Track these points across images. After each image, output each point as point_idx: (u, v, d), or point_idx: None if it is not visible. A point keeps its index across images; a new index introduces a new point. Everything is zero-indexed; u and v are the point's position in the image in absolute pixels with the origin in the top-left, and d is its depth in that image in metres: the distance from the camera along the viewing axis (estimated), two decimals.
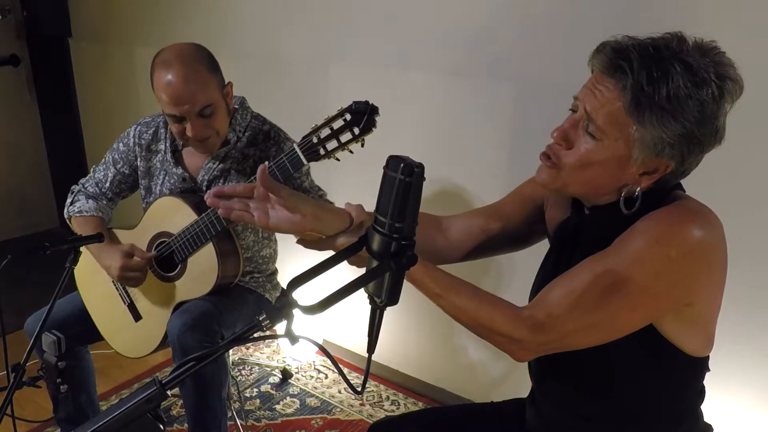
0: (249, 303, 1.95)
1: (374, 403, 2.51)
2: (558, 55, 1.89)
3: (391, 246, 0.82)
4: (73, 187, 2.02)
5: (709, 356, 1.15)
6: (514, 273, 2.21)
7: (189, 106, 1.68)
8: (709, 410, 1.23)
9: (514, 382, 2.34)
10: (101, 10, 3.37)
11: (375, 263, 0.85)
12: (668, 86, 0.94)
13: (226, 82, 1.80)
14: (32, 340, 1.57)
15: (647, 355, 1.09)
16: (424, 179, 0.81)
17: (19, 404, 2.31)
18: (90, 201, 1.96)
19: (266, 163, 1.07)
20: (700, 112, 0.95)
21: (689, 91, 0.94)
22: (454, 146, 2.25)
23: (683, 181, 1.09)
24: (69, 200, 1.99)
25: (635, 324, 1.03)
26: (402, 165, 0.79)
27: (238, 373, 2.68)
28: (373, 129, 1.40)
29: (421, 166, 0.80)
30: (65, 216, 1.99)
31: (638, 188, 1.03)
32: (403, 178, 0.79)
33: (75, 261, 1.63)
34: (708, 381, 1.19)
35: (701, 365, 1.15)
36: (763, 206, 1.68)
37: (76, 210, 1.95)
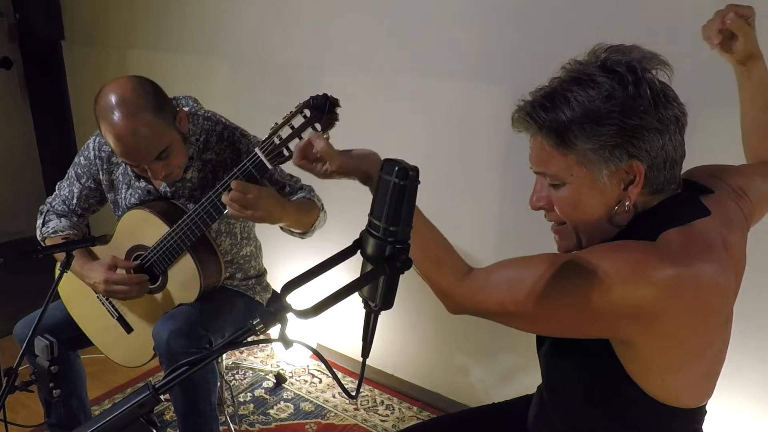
0: (237, 307, 1.93)
1: (369, 407, 2.50)
2: (555, 59, 1.89)
3: (386, 250, 0.82)
4: (41, 207, 1.97)
5: (698, 408, 1.09)
6: None
7: (142, 158, 1.61)
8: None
9: (509, 385, 2.34)
10: (94, 13, 3.36)
11: (369, 267, 0.85)
12: (569, 107, 0.97)
13: (177, 109, 1.69)
14: (24, 344, 1.56)
15: (614, 396, 1.07)
16: (419, 182, 0.81)
17: (12, 409, 2.30)
18: (63, 220, 1.92)
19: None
20: (617, 105, 0.95)
21: (590, 95, 0.96)
22: (450, 150, 2.25)
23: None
24: (40, 221, 1.93)
25: (562, 332, 1.05)
26: (397, 168, 0.79)
27: (232, 378, 2.67)
28: (336, 123, 1.35)
29: (415, 170, 0.80)
30: (38, 238, 1.93)
31: (628, 202, 1.01)
32: (397, 182, 0.79)
33: (68, 265, 1.62)
34: None
35: (683, 417, 1.07)
36: None
37: (51, 230, 1.90)
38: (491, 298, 1.06)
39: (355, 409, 2.49)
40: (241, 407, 2.48)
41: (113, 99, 1.58)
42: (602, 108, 0.95)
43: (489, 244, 2.23)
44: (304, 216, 1.70)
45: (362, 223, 0.86)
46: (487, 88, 2.09)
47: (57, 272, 1.65)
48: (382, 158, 0.87)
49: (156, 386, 0.83)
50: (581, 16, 1.85)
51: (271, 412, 2.47)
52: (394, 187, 0.79)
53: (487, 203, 2.21)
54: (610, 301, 0.93)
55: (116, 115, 1.56)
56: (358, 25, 2.35)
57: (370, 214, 0.83)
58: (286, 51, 2.59)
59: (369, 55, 2.35)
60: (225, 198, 1.47)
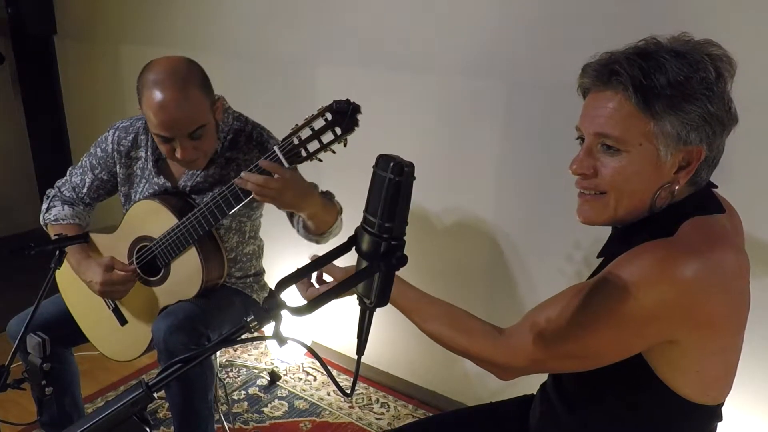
0: (236, 304, 1.92)
1: (363, 405, 2.50)
2: (550, 55, 1.90)
3: (381, 246, 0.81)
4: (48, 191, 1.96)
5: (718, 406, 1.10)
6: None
7: (179, 130, 1.62)
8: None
9: (507, 384, 2.33)
10: (87, 7, 3.35)
11: (364, 264, 0.84)
12: (665, 74, 0.96)
13: (217, 98, 1.73)
14: (17, 342, 1.55)
15: (640, 394, 1.07)
16: (414, 178, 0.80)
17: (3, 407, 2.29)
18: (66, 207, 1.92)
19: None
20: (707, 89, 0.97)
21: (687, 72, 0.96)
22: (444, 146, 2.24)
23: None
24: (45, 206, 1.94)
25: (614, 356, 1.02)
26: (392, 164, 0.79)
27: (226, 375, 2.66)
28: (356, 128, 1.36)
29: (411, 165, 0.80)
30: (41, 222, 1.94)
31: (677, 186, 1.02)
32: (392, 178, 0.79)
33: (60, 262, 1.61)
34: None
35: (705, 414, 1.09)
36: (763, 207, 1.67)
37: (53, 217, 1.90)
38: (533, 347, 1.04)
39: (350, 407, 2.49)
40: (235, 405, 2.47)
41: (164, 70, 1.62)
42: (695, 88, 0.96)
43: (484, 242, 2.23)
44: (325, 213, 1.70)
45: (357, 220, 0.85)
46: (482, 84, 2.09)
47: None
48: (378, 154, 0.86)
49: (149, 384, 0.83)
50: (578, 12, 1.85)
51: (266, 410, 2.46)
52: (389, 183, 0.79)
53: (483, 201, 2.21)
54: (646, 307, 0.94)
55: (165, 85, 1.59)
56: (350, 22, 2.34)
57: (365, 210, 0.83)
58: (280, 46, 2.58)
59: (364, 52, 2.34)
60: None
